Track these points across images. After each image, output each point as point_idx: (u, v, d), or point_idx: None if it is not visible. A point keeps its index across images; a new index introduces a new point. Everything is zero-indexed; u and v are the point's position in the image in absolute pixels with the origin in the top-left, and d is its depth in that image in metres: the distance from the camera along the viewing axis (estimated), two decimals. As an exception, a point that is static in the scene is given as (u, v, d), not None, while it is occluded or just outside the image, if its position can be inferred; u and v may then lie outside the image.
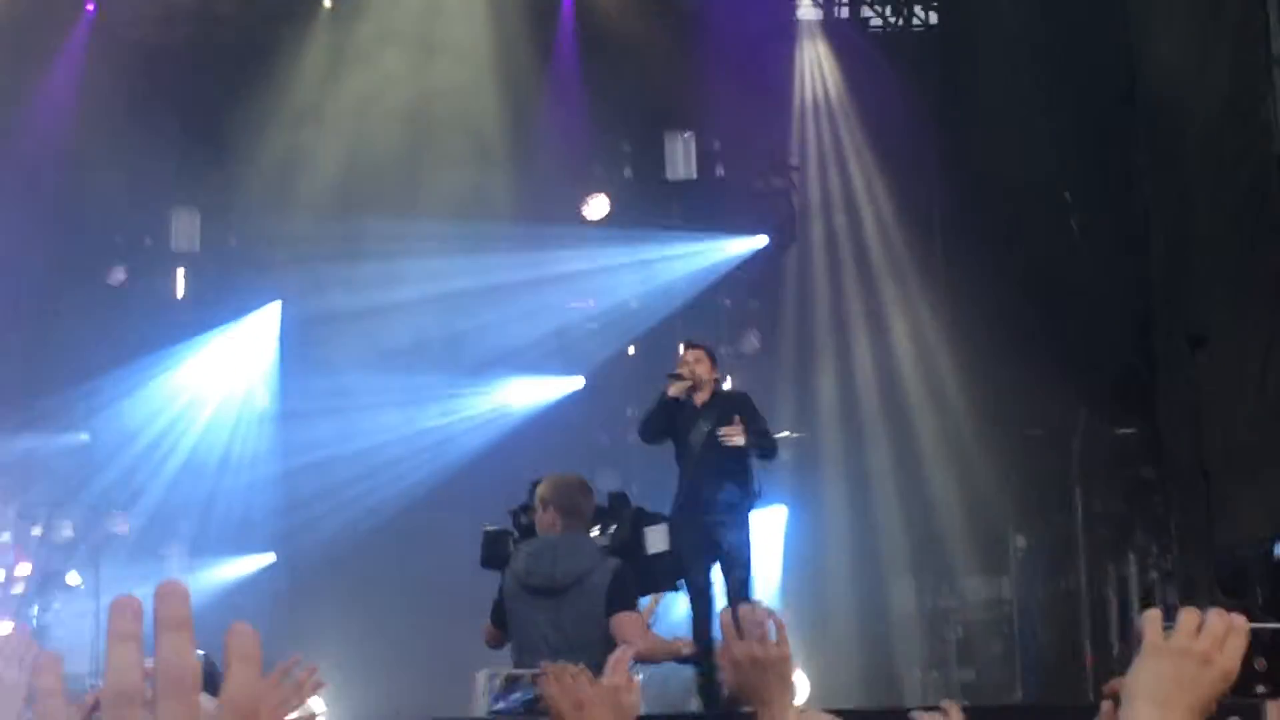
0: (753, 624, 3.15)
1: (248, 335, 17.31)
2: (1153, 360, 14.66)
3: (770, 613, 3.19)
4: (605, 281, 16.81)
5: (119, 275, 17.45)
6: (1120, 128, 15.17)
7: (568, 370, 16.82)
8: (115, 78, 16.67)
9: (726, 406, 10.77)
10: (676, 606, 10.94)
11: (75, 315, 16.65)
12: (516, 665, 7.96)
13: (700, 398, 10.74)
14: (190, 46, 16.89)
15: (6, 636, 2.38)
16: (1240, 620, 2.33)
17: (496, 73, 16.77)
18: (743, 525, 10.72)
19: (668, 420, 10.83)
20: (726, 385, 12.30)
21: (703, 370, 10.76)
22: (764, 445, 10.81)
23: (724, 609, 3.26)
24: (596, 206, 16.86)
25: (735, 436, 10.49)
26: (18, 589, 14.56)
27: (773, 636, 3.15)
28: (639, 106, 16.72)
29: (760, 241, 16.91)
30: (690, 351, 11.05)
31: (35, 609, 14.62)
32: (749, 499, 10.79)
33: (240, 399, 17.24)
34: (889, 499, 16.33)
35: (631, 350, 17.03)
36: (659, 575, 8.89)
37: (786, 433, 16.69)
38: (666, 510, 9.92)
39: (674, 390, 10.71)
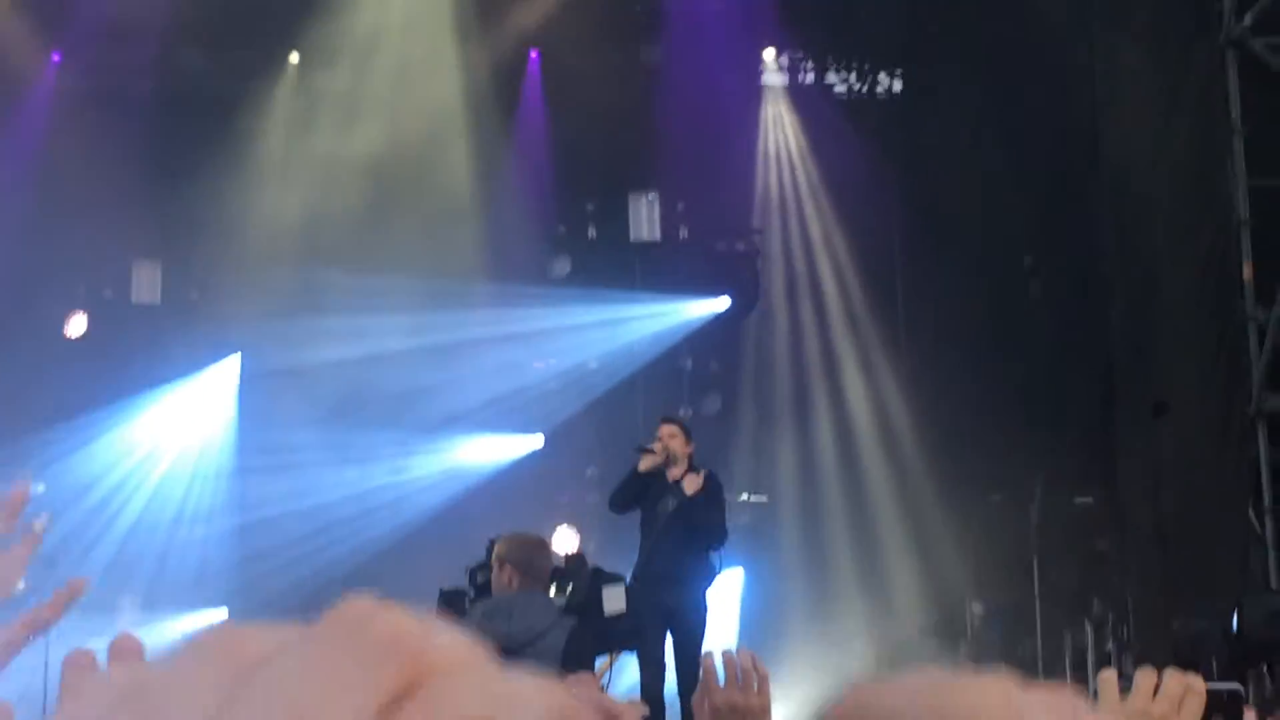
0: (736, 671, 3.09)
1: (206, 388, 17.22)
2: (1113, 428, 14.71)
3: (754, 660, 3.12)
4: (567, 341, 16.79)
5: (78, 326, 17.36)
6: (1083, 194, 15.27)
7: (527, 429, 16.77)
8: (80, 127, 16.64)
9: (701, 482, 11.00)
10: (631, 668, 10.87)
11: (34, 365, 16.53)
12: (470, 724, 7.87)
13: (674, 473, 10.88)
14: (156, 98, 16.87)
15: None
16: (1198, 682, 2.31)
17: (462, 130, 16.80)
18: (700, 599, 10.89)
19: (639, 492, 10.99)
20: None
21: (677, 445, 11.01)
22: (713, 520, 10.93)
23: (707, 654, 3.19)
24: (560, 266, 16.87)
25: (694, 484, 10.71)
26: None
27: (754, 686, 3.10)
28: (604, 167, 16.74)
29: (722, 304, 16.94)
30: (666, 426, 11.29)
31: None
32: (709, 575, 10.92)
33: (197, 452, 17.14)
34: (846, 563, 16.32)
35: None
36: (616, 636, 8.85)
37: (746, 495, 16.72)
38: (623, 571, 9.90)
39: (645, 465, 10.88)
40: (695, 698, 3.14)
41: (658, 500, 10.96)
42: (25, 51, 16.99)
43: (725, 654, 3.14)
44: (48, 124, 16.96)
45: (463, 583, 8.83)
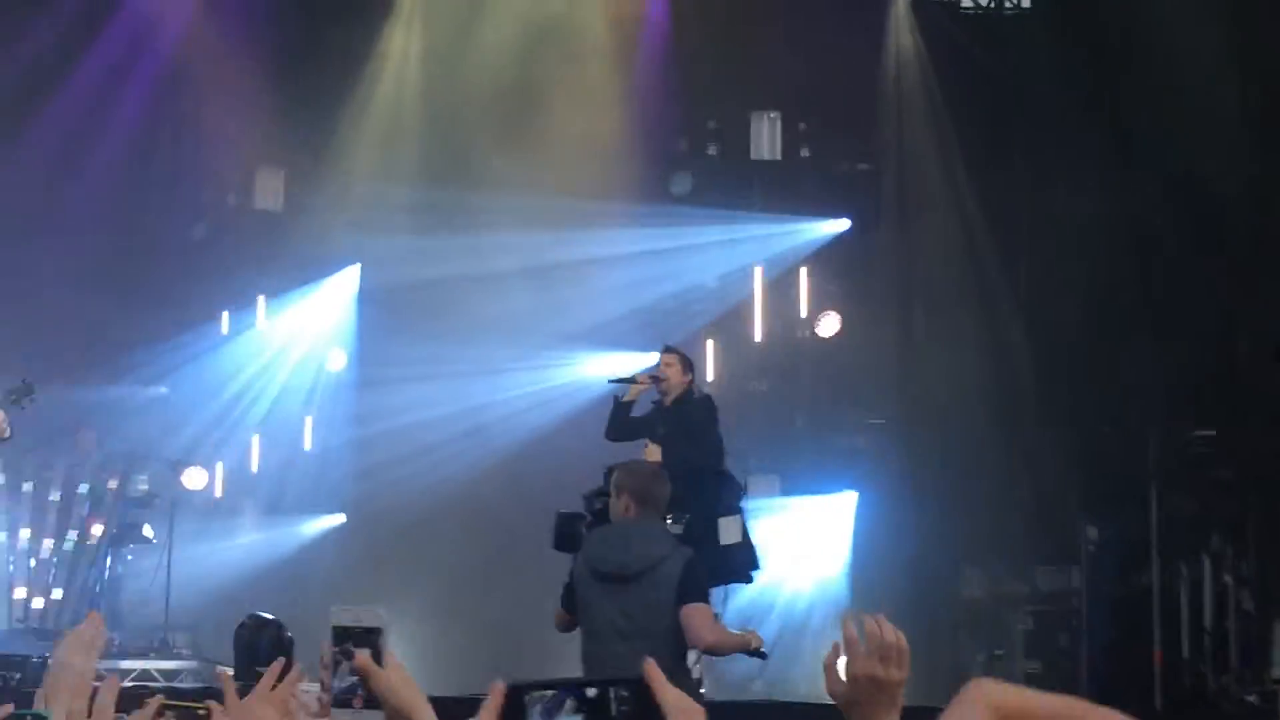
0: (878, 643, 3.03)
1: (326, 298, 17.36)
2: (1239, 362, 14.51)
3: (897, 634, 3.05)
4: (686, 260, 16.72)
5: (200, 231, 17.57)
6: (1218, 120, 14.93)
7: (645, 348, 16.70)
8: (205, 34, 16.76)
9: (686, 411, 11.14)
10: (743, 597, 10.89)
11: (159, 270, 16.76)
12: (585, 651, 8.01)
13: (667, 401, 11.16)
14: (281, 4, 16.94)
15: (79, 627, 2.49)
16: None
17: (585, 45, 16.68)
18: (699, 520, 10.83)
19: (631, 422, 11.24)
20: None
21: (673, 374, 11.22)
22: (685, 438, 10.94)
23: (848, 614, 3.13)
24: (680, 183, 16.78)
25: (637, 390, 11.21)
26: (91, 542, 14.76)
27: (895, 660, 3.03)
28: (726, 84, 16.60)
29: (842, 225, 16.77)
30: (665, 355, 11.57)
31: (109, 561, 14.81)
32: (712, 498, 10.62)
33: (318, 361, 17.30)
34: (961, 485, 16.18)
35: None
36: (732, 566, 8.91)
37: (862, 419, 16.69)
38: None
39: (629, 395, 11.29)
40: (828, 659, 3.08)
41: (654, 428, 11.08)
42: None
43: (868, 622, 3.07)
44: (175, 32, 17.07)
45: (579, 507, 8.90)
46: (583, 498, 8.90)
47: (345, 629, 2.56)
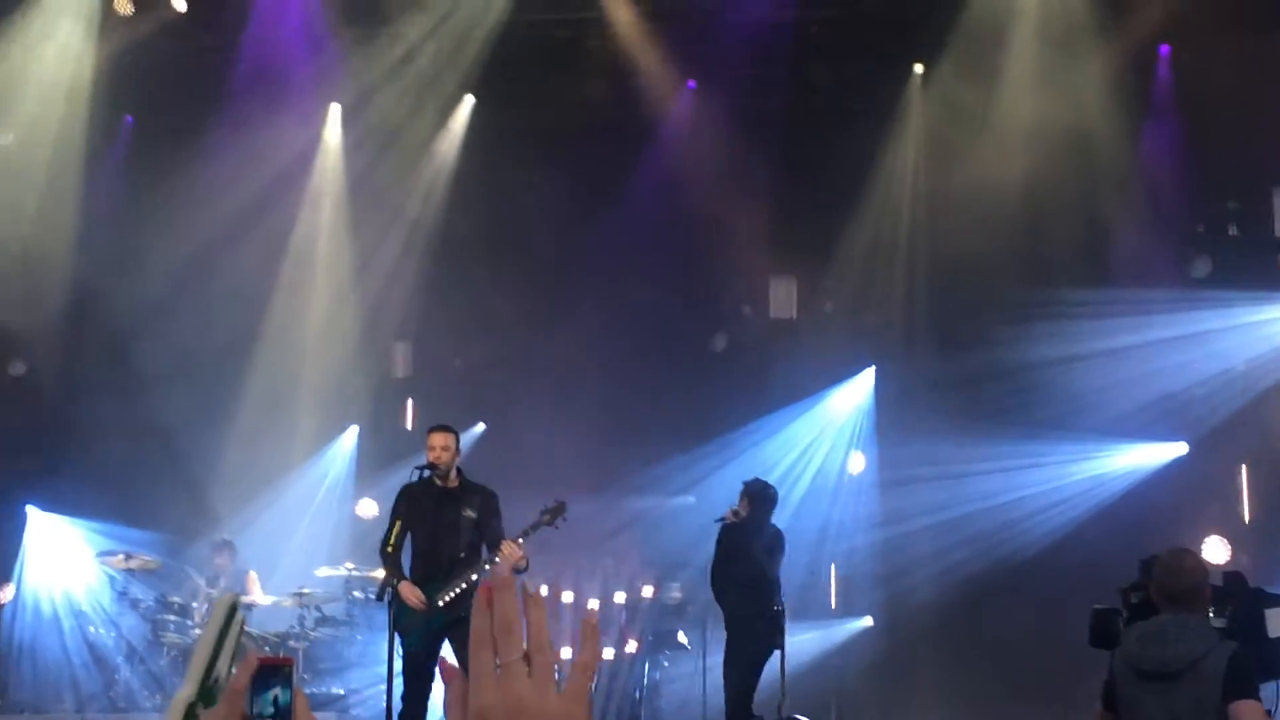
0: None
1: (844, 401, 17.54)
2: None
3: None
4: (1211, 345, 16.19)
5: (720, 342, 18.02)
6: None
7: (1172, 436, 16.26)
8: (714, 149, 17.26)
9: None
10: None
11: (685, 383, 17.26)
12: (1131, 751, 7.77)
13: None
14: (787, 116, 17.29)
15: None
16: None
17: (1096, 134, 16.37)
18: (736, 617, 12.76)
19: None
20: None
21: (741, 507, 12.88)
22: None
23: None
24: (1200, 266, 16.30)
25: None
26: (630, 648, 15.19)
27: None
28: (1244, 161, 16.04)
29: (1385, 297, 15.90)
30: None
31: (646, 667, 15.22)
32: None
33: (839, 464, 17.46)
34: None
35: None
36: (1280, 659, 8.51)
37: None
38: None
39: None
40: None
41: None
42: (662, 80, 17.74)
43: None
44: (684, 149, 17.66)
45: (1116, 603, 8.68)
46: (1118, 592, 8.68)
47: None
